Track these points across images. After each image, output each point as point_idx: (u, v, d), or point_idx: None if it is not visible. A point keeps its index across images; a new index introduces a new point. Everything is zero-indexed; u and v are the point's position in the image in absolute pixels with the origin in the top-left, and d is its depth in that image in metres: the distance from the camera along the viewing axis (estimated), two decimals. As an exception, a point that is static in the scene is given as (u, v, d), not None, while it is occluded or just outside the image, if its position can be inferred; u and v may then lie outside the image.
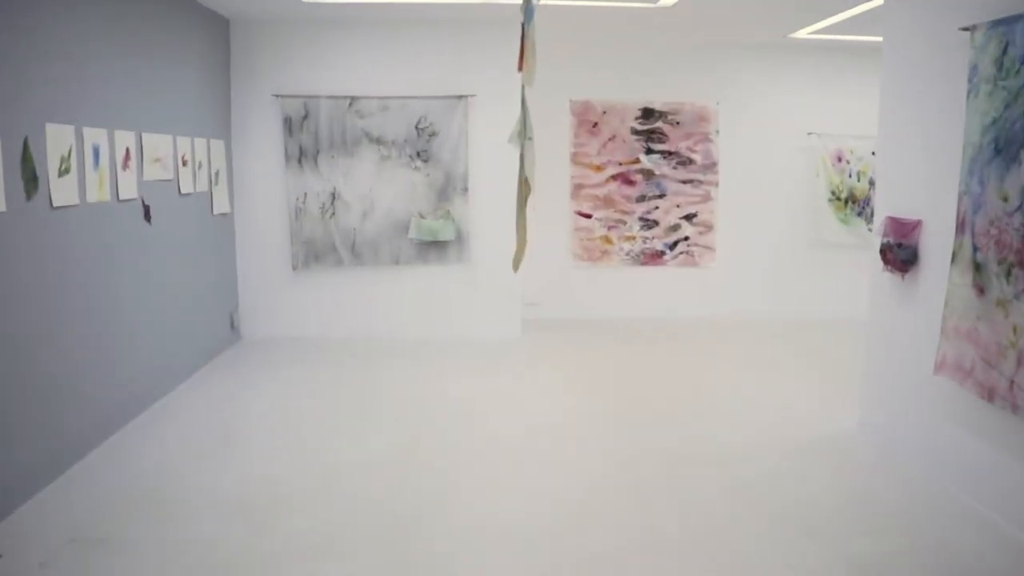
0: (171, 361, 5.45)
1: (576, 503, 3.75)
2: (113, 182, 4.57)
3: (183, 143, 5.60)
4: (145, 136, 4.98)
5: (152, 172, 5.08)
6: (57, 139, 3.93)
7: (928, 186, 4.12)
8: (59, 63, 4.02)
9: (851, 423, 4.84)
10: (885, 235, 4.41)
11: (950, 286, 3.73)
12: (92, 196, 4.31)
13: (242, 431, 4.73)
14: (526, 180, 3.53)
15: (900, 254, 4.24)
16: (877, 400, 4.63)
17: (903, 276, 4.27)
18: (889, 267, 4.35)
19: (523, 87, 3.55)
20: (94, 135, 4.31)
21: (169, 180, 5.38)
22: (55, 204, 3.91)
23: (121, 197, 4.66)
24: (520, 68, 3.49)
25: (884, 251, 4.39)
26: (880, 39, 4.61)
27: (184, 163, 5.62)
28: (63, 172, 3.98)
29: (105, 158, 4.45)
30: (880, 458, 4.34)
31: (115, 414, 4.61)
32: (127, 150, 4.72)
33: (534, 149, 3.54)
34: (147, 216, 5.02)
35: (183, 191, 5.61)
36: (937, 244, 4.00)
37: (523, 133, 3.52)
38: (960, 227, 3.66)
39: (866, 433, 4.68)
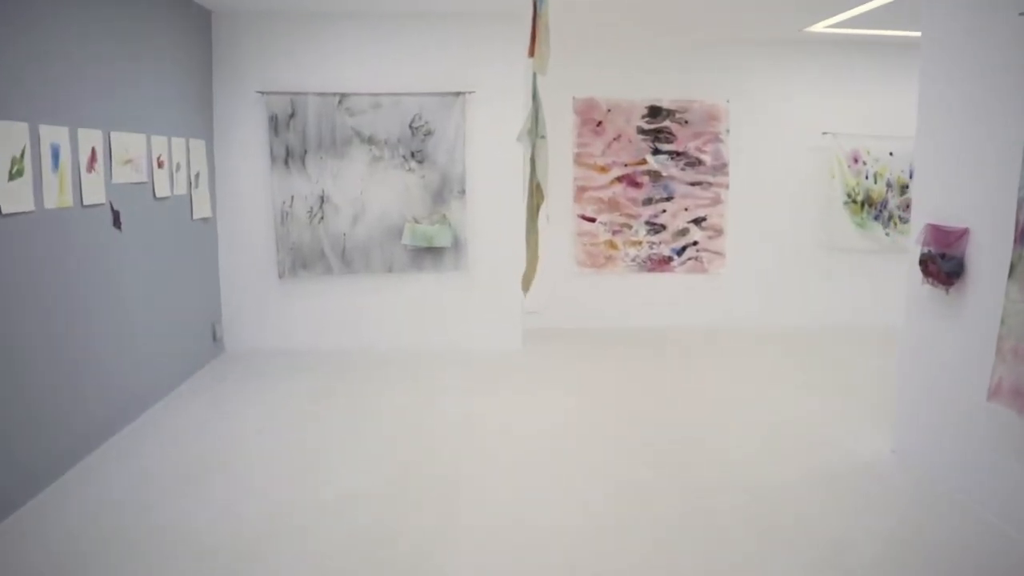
0: (147, 377, 5.03)
1: (587, 541, 3.35)
2: (76, 186, 4.15)
3: (159, 143, 5.19)
4: (114, 135, 4.56)
5: (122, 174, 4.66)
6: (7, 137, 3.51)
7: (976, 190, 3.73)
8: (11, 53, 3.59)
9: (881, 446, 4.46)
10: (925, 244, 4.02)
11: (1007, 303, 3.34)
12: (51, 202, 3.88)
13: (223, 457, 4.31)
14: (538, 186, 3.07)
15: (944, 266, 3.85)
16: (914, 426, 4.23)
17: (947, 290, 3.88)
18: (931, 280, 3.96)
19: (535, 77, 3.09)
20: (52, 133, 3.89)
21: (143, 183, 4.96)
22: (5, 211, 3.49)
23: (86, 202, 4.24)
24: (531, 54, 3.03)
25: (925, 262, 4.00)
26: (904, 32, 4.24)
27: (160, 164, 5.20)
28: (15, 175, 3.56)
29: (66, 159, 4.02)
30: (922, 492, 3.92)
31: (81, 440, 4.18)
32: (93, 150, 4.30)
33: (547, 149, 3.08)
34: (117, 222, 4.61)
35: (159, 195, 5.19)
36: (988, 255, 3.61)
37: (535, 131, 3.05)
38: (1020, 237, 3.27)
39: (901, 461, 4.28)
